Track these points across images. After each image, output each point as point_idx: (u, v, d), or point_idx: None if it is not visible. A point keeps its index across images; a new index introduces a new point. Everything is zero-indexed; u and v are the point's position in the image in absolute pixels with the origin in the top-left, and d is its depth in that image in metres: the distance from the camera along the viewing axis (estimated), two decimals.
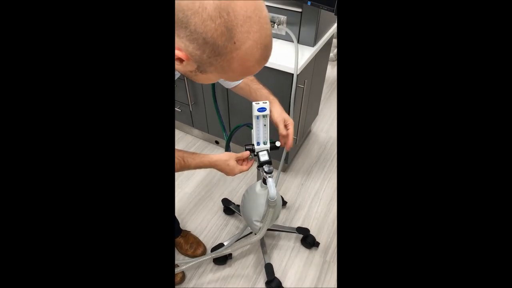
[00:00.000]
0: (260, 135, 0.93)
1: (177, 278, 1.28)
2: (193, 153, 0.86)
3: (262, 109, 0.88)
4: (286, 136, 0.94)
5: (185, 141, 1.96)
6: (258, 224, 1.01)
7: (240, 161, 0.92)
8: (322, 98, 2.11)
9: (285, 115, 0.95)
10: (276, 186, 1.45)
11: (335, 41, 2.63)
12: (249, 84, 0.96)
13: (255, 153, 0.95)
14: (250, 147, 0.94)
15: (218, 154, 0.89)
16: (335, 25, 1.59)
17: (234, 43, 0.47)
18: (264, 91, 0.96)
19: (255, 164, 0.96)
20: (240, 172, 0.91)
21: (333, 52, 2.65)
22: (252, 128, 0.93)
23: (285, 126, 0.95)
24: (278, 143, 0.95)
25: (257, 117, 0.90)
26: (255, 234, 1.03)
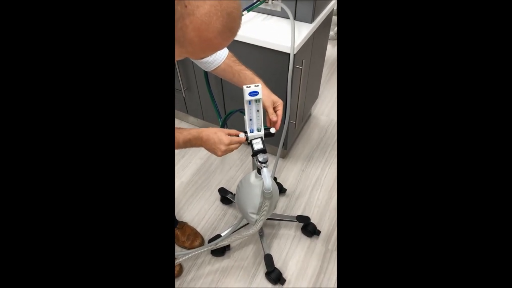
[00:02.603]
0: (253, 121, 0.86)
1: (175, 271, 1.24)
2: (180, 127, 0.79)
3: (254, 93, 0.80)
4: (276, 121, 0.88)
5: None
6: (253, 216, 0.95)
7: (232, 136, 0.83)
8: (322, 79, 2.01)
9: (274, 96, 0.89)
10: (274, 173, 1.39)
11: (335, 18, 2.50)
12: (231, 65, 0.89)
13: (248, 142, 0.87)
14: (243, 134, 0.87)
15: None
16: (335, 0, 1.47)
17: (186, 6, 0.40)
18: (248, 72, 0.89)
19: (251, 152, 0.90)
20: (231, 143, 0.80)
21: (334, 30, 2.53)
22: (245, 114, 0.86)
23: (274, 108, 0.89)
24: (273, 130, 0.88)
25: (249, 102, 0.82)
26: (253, 225, 0.97)
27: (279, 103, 0.89)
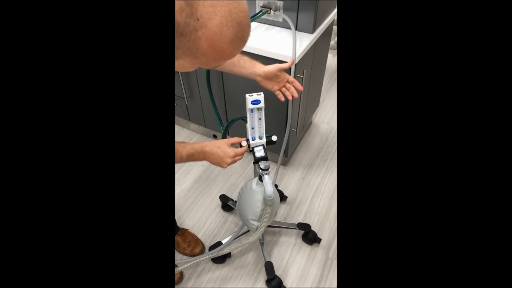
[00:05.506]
0: (255, 129, 0.87)
1: (175, 278, 1.24)
2: (183, 142, 0.80)
3: (256, 102, 0.82)
4: (292, 81, 0.91)
5: (182, 135, 1.91)
6: (254, 223, 0.96)
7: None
8: (323, 88, 2.03)
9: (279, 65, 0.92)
10: (275, 180, 1.40)
11: (335, 28, 2.54)
12: None
13: (250, 149, 0.89)
14: (245, 142, 0.88)
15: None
16: (336, 10, 1.50)
17: (198, 19, 0.42)
18: (245, 57, 0.90)
19: (252, 159, 0.91)
20: (236, 155, 0.82)
21: (334, 39, 2.56)
22: (247, 122, 0.87)
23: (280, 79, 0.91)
24: (274, 138, 0.89)
25: (251, 110, 0.84)
26: (253, 232, 0.98)
27: (282, 77, 0.92)
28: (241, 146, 0.87)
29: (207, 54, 0.46)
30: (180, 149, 0.78)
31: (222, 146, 0.81)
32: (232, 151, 0.81)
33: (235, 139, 0.85)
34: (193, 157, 0.81)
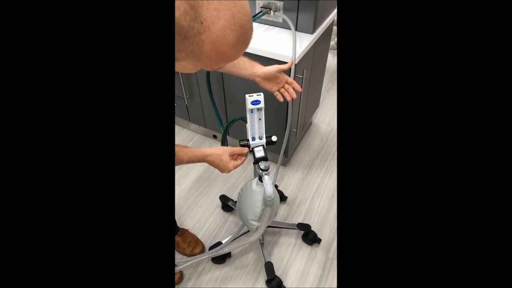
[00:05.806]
0: (255, 129, 0.88)
1: (175, 278, 1.24)
2: (186, 146, 0.81)
3: (256, 102, 0.82)
4: (291, 82, 0.92)
5: (182, 136, 1.91)
6: (254, 223, 0.96)
7: (235, 155, 0.87)
8: (323, 88, 2.03)
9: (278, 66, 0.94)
10: (275, 181, 1.40)
11: (335, 28, 2.54)
12: None
13: (250, 149, 0.89)
14: (245, 142, 0.88)
15: (212, 148, 0.83)
16: (336, 10, 1.50)
17: (201, 23, 0.42)
18: (245, 58, 0.91)
19: (253, 160, 0.91)
20: (235, 168, 0.86)
21: (334, 40, 2.56)
22: (247, 122, 0.87)
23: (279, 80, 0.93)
24: (274, 138, 0.90)
25: (251, 110, 0.84)
26: (253, 232, 0.98)
27: (281, 79, 0.93)
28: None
29: (210, 57, 0.46)
30: (181, 155, 0.79)
31: (225, 159, 0.85)
32: (232, 165, 0.86)
33: (238, 150, 0.87)
34: (193, 162, 0.84)
